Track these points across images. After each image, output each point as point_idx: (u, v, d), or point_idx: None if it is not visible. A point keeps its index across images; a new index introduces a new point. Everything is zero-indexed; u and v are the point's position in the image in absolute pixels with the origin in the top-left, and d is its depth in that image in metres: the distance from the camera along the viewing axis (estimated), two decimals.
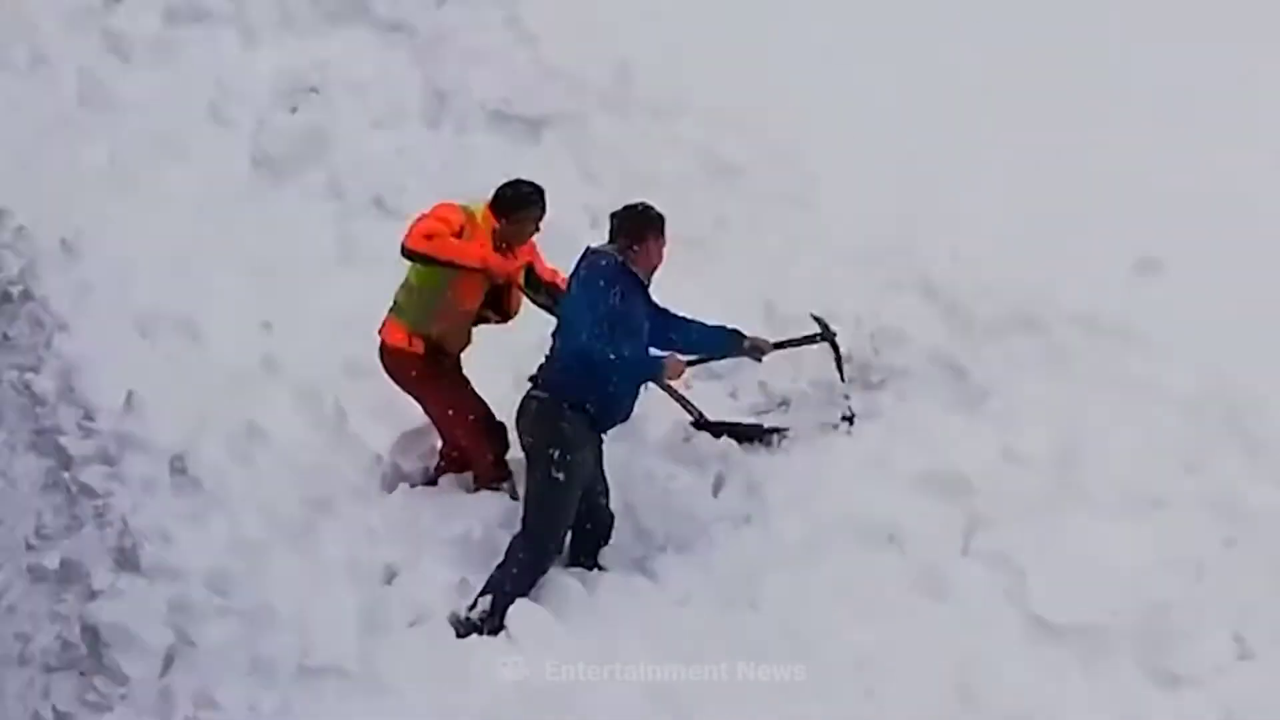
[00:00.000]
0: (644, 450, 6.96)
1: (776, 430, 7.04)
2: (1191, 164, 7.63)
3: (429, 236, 6.54)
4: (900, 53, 8.90)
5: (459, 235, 6.63)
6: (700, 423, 7.07)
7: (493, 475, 6.95)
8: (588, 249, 6.53)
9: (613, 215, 6.55)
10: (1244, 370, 6.59)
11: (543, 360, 6.48)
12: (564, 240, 7.03)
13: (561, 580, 6.41)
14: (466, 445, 6.99)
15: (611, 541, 6.66)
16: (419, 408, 6.99)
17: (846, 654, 5.97)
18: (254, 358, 7.69)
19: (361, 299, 7.66)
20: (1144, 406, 6.62)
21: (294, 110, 9.80)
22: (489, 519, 6.72)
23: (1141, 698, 5.78)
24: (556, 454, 6.25)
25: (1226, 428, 6.49)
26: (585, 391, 6.28)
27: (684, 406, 7.06)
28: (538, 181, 6.87)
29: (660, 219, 6.53)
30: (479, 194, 6.86)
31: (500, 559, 6.33)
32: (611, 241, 6.48)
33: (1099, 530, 6.22)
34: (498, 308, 6.98)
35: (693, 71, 8.98)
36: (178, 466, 6.80)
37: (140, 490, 6.78)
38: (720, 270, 7.84)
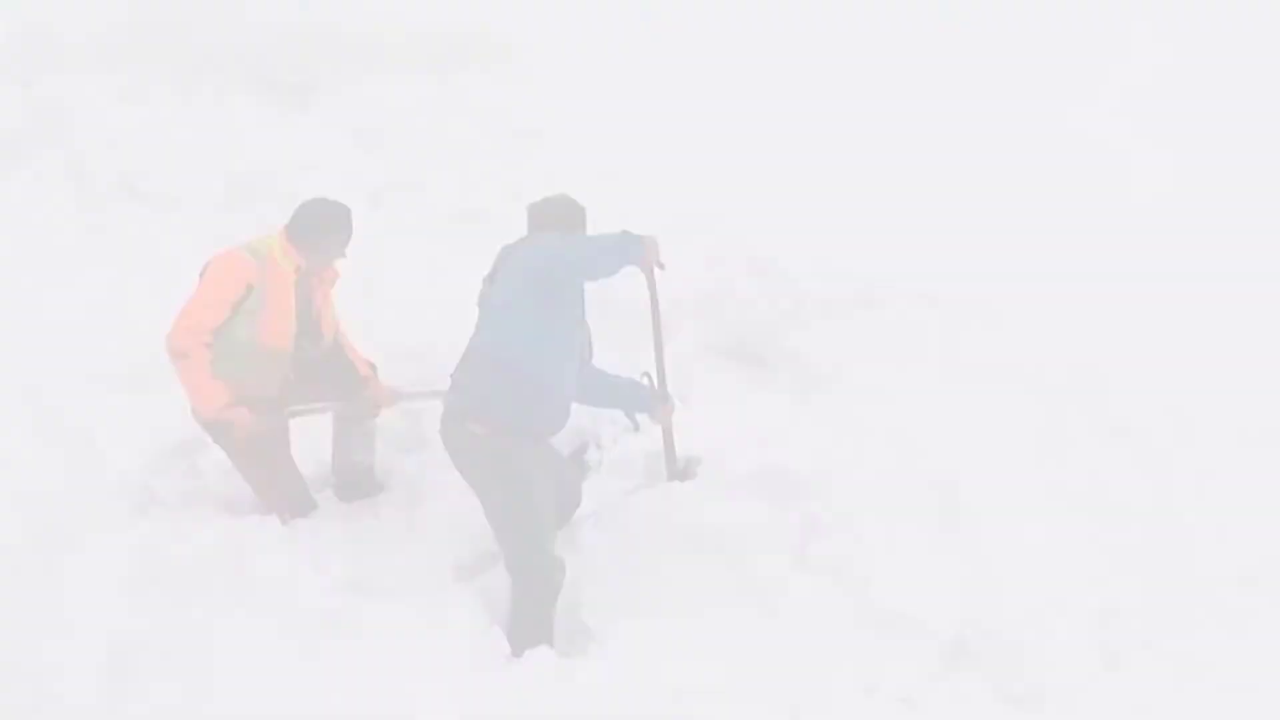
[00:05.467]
0: None
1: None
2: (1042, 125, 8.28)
3: (184, 355, 6.11)
4: None
5: (246, 298, 6.17)
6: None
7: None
8: (504, 248, 6.21)
9: (535, 207, 6.37)
10: (1102, 352, 6.82)
11: (461, 364, 6.09)
12: None
13: None
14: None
15: None
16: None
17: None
18: None
19: (108, 298, 7.86)
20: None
21: (27, 83, 9.73)
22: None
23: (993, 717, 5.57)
24: (511, 485, 5.98)
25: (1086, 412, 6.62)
26: (521, 401, 5.93)
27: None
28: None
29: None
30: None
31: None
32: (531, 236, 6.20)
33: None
34: (311, 333, 6.55)
35: (480, 21, 9.10)
36: None
37: None
38: None
